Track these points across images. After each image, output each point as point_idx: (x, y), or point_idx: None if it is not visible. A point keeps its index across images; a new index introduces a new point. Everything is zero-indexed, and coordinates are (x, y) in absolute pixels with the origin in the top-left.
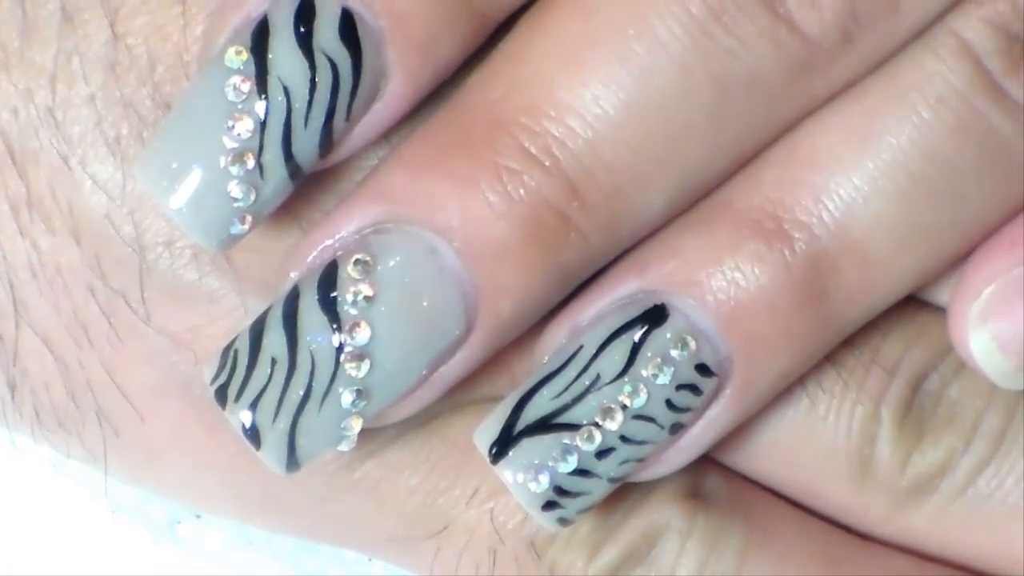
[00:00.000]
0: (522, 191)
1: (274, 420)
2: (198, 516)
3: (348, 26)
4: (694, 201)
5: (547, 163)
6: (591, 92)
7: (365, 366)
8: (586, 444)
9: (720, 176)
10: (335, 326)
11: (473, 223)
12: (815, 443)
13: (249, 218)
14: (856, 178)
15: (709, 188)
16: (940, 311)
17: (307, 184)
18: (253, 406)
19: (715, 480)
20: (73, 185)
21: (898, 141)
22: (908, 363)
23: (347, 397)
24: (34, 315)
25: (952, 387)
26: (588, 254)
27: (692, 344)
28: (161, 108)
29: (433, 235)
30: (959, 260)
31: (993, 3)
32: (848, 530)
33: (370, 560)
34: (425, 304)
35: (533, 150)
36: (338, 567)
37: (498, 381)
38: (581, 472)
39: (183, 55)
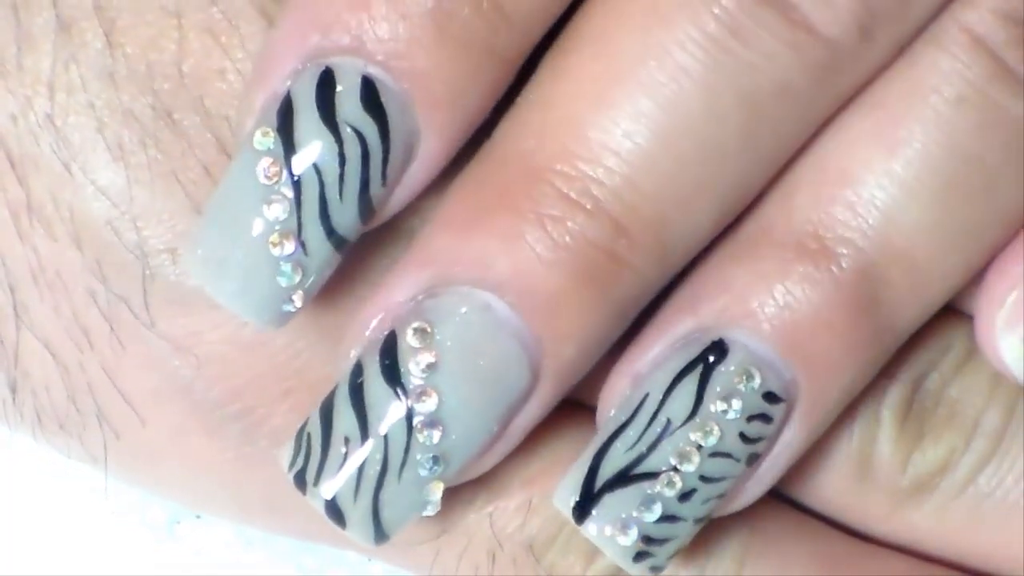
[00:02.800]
0: (567, 237)
1: (355, 498)
2: (198, 516)
3: (371, 94)
4: (741, 212)
5: (588, 205)
6: (621, 128)
7: (437, 433)
8: (668, 490)
9: (764, 185)
10: (402, 397)
11: (524, 275)
12: (816, 443)
13: (300, 294)
14: (889, 186)
15: (755, 198)
16: (938, 311)
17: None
18: (333, 487)
19: None
20: (74, 191)
21: (925, 144)
22: (908, 362)
23: (424, 465)
24: (35, 319)
25: (952, 386)
26: (642, 285)
27: (756, 374)
28: (162, 118)
29: (486, 293)
30: (1004, 246)
31: None
32: (848, 530)
33: (370, 560)
34: (488, 362)
35: (572, 195)
36: (338, 567)
37: None
38: (667, 518)
39: (182, 66)
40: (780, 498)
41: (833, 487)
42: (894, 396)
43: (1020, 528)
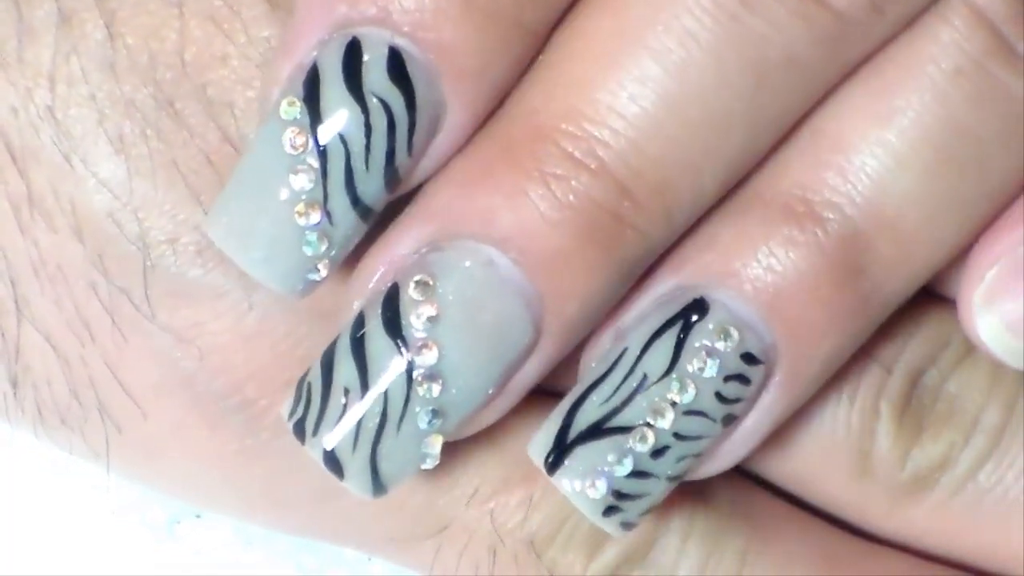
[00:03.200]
0: (571, 196)
1: (354, 449)
2: (198, 516)
3: (397, 65)
4: (744, 179)
5: (593, 165)
6: (628, 91)
7: (437, 386)
8: (640, 445)
9: (765, 152)
10: (403, 349)
11: (527, 232)
12: (814, 438)
13: (326, 263)
14: (882, 154)
15: (757, 163)
16: (937, 304)
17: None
18: (331, 437)
19: (716, 480)
20: (75, 183)
21: (920, 115)
22: (906, 358)
23: (423, 418)
24: (36, 312)
25: (951, 381)
26: (645, 247)
27: (735, 334)
28: (164, 108)
29: (489, 247)
30: (991, 223)
31: None
32: (848, 526)
33: (370, 559)
34: (489, 317)
35: (577, 154)
36: (338, 567)
37: None
38: (638, 474)
39: (183, 55)
40: (780, 495)
41: (832, 483)
42: (893, 391)
43: (1020, 525)
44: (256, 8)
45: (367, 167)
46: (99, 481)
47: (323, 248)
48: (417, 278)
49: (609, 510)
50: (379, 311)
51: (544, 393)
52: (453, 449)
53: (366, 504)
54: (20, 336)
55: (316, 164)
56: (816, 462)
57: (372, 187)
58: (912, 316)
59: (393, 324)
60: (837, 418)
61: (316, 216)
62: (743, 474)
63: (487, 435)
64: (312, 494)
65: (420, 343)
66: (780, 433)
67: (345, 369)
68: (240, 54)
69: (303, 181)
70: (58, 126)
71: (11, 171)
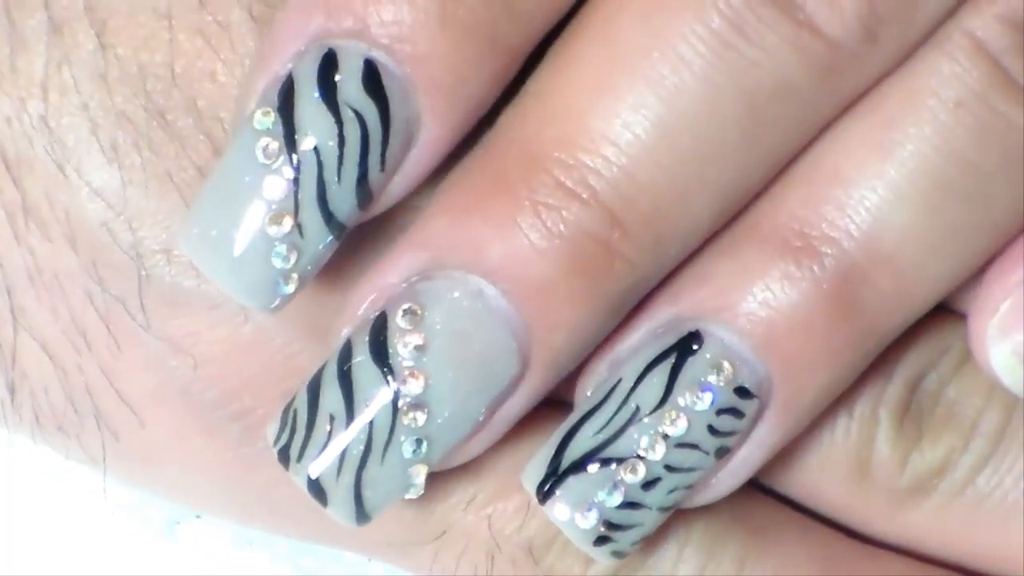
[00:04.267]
0: (562, 226)
1: (338, 477)
2: (198, 516)
3: (372, 77)
4: (739, 212)
5: (584, 195)
6: (621, 119)
7: (423, 416)
8: (631, 477)
9: (762, 185)
10: (389, 378)
11: (516, 262)
12: (814, 444)
13: (295, 276)
14: (881, 188)
15: (752, 198)
16: (936, 311)
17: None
18: (316, 465)
19: None
20: (70, 192)
21: (920, 148)
22: (906, 363)
23: (408, 448)
24: (32, 320)
25: (950, 386)
26: (636, 279)
27: (728, 368)
28: (155, 118)
29: (478, 278)
30: (992, 258)
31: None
32: (848, 530)
33: (369, 560)
34: (476, 348)
35: (569, 183)
36: (338, 568)
37: None
38: (629, 505)
39: (173, 67)
40: (779, 499)
41: (831, 488)
42: (892, 396)
43: (1019, 529)
44: (244, 26)
45: (339, 179)
46: (98, 483)
47: (292, 260)
48: (405, 307)
49: (600, 540)
50: (367, 339)
51: (544, 402)
52: None
53: None
54: (17, 344)
55: (289, 174)
56: (816, 468)
57: (344, 201)
58: None
59: (380, 352)
60: (837, 424)
61: (287, 226)
62: None
63: None
64: (309, 501)
65: (406, 372)
66: None
67: (331, 396)
68: (227, 70)
69: (275, 191)
70: (51, 135)
71: (6, 180)
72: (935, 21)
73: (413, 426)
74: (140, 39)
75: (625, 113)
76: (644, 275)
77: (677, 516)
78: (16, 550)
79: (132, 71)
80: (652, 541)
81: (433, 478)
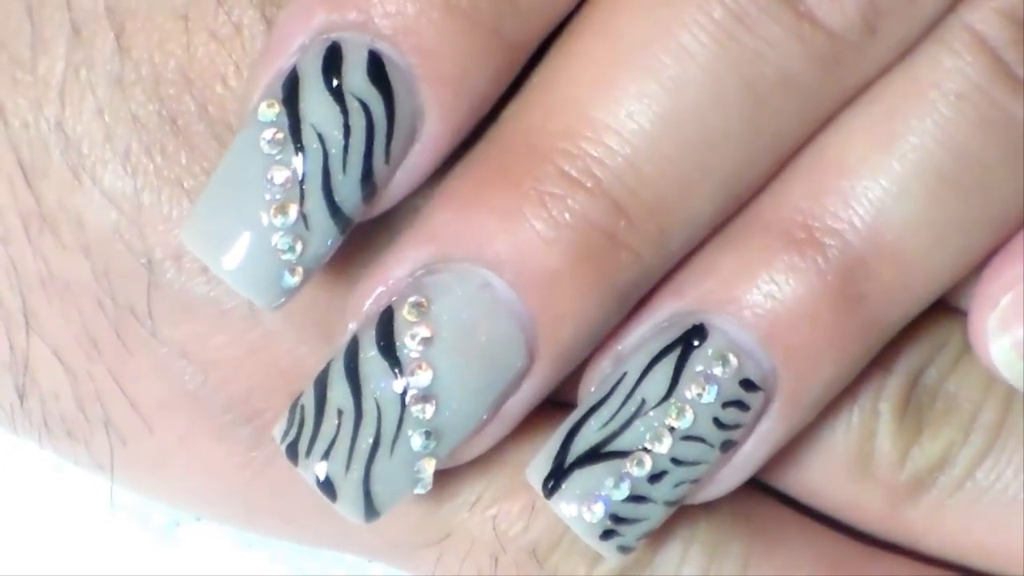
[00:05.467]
0: (567, 215)
1: (347, 471)
2: (198, 519)
3: (377, 68)
4: (743, 205)
5: (589, 184)
6: (625, 109)
7: (431, 408)
8: (637, 470)
9: (765, 177)
10: (397, 371)
11: (522, 253)
12: (814, 440)
13: (300, 270)
14: (884, 180)
15: (755, 191)
16: (935, 306)
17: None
18: (324, 459)
19: None
20: (83, 199)
21: (922, 140)
22: (905, 358)
23: (416, 440)
24: (44, 326)
25: (949, 381)
26: (641, 270)
27: (734, 360)
28: (168, 123)
29: (484, 270)
30: (994, 251)
31: None
32: (848, 527)
33: (370, 562)
34: (484, 339)
35: (574, 173)
36: (338, 569)
37: None
38: (636, 498)
39: (188, 72)
40: (781, 498)
41: (832, 484)
42: (892, 391)
43: (1019, 522)
44: (257, 26)
45: (344, 170)
46: (99, 485)
47: (298, 251)
48: (412, 299)
49: (607, 534)
50: (374, 332)
51: (547, 403)
52: None
53: None
54: (29, 349)
55: (294, 164)
56: (817, 464)
57: (349, 192)
58: None
59: (387, 345)
60: (837, 420)
61: (292, 216)
62: None
63: None
64: (316, 504)
65: (414, 364)
66: None
67: (339, 390)
68: (238, 74)
69: (280, 180)
70: (67, 141)
71: (21, 185)
72: (935, 15)
73: (421, 418)
74: (156, 41)
75: (629, 103)
76: (649, 266)
77: (681, 516)
78: (16, 551)
79: (147, 75)
80: (657, 540)
81: (438, 478)
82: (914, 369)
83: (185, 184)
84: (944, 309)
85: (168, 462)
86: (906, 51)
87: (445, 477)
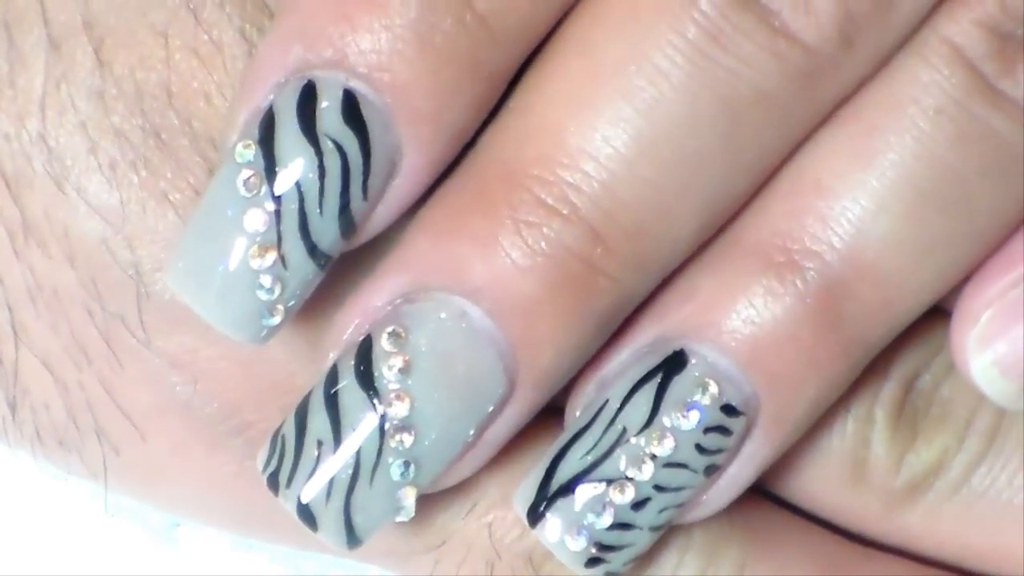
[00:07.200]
0: (543, 243)
1: (327, 501)
2: None
3: (351, 108)
4: (724, 225)
5: (565, 211)
6: (600, 133)
7: (409, 437)
8: (620, 497)
9: (744, 196)
10: (375, 401)
11: (499, 282)
12: (810, 446)
13: (280, 308)
14: (863, 199)
15: (735, 210)
16: (929, 311)
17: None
18: (304, 490)
19: None
20: (68, 210)
21: (901, 157)
22: (900, 363)
23: (396, 470)
24: (33, 337)
25: (944, 386)
26: (621, 295)
27: (714, 387)
28: (151, 137)
29: (461, 299)
30: (977, 266)
31: (982, 4)
32: (844, 531)
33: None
34: (462, 368)
35: (550, 200)
36: (338, 571)
37: None
38: (620, 526)
39: (169, 87)
40: (777, 502)
41: (828, 489)
42: (887, 397)
43: (1014, 527)
44: (237, 47)
45: (321, 211)
46: (98, 488)
47: (277, 292)
48: (390, 329)
49: (592, 561)
50: (352, 362)
51: (545, 409)
52: None
53: None
54: (18, 361)
55: (270, 207)
56: (812, 470)
57: (327, 232)
58: None
59: (366, 376)
60: (832, 426)
61: (270, 259)
62: None
63: None
64: None
65: (392, 395)
66: None
67: (318, 421)
68: (220, 93)
69: (257, 224)
70: (50, 153)
71: (5, 198)
72: (911, 26)
73: (400, 448)
74: (137, 57)
75: (603, 127)
76: (628, 291)
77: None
78: (16, 552)
79: (129, 90)
80: (652, 548)
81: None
82: (909, 374)
83: (171, 197)
84: (939, 315)
85: (162, 471)
86: (883, 64)
87: None
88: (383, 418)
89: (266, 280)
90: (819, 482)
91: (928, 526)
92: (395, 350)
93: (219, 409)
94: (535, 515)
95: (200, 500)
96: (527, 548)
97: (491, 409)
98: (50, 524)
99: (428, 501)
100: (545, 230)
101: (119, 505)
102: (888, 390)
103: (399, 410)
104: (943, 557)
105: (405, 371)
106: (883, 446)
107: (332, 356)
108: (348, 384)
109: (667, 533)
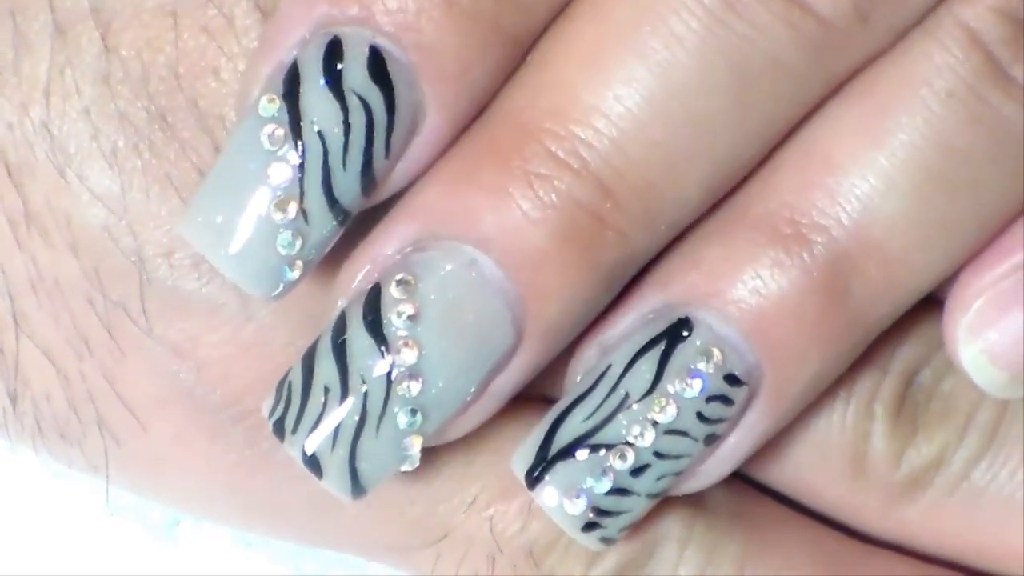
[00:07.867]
0: (554, 196)
1: (333, 448)
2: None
3: (377, 64)
4: (731, 189)
5: (576, 165)
6: (613, 92)
7: (417, 385)
8: (620, 463)
9: (753, 163)
10: (383, 348)
11: (509, 232)
12: (810, 440)
13: (300, 264)
14: (871, 177)
15: (743, 176)
16: (930, 305)
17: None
18: (310, 436)
19: (714, 486)
20: (71, 198)
21: (911, 137)
22: (900, 358)
23: (403, 418)
24: (34, 327)
25: (945, 381)
26: (629, 252)
27: (718, 355)
28: (156, 120)
29: (471, 248)
30: (981, 249)
31: None
32: (844, 527)
33: (369, 561)
34: (470, 318)
35: (561, 154)
36: (339, 569)
37: None
38: (618, 491)
39: (177, 68)
40: (778, 499)
41: (828, 484)
42: (887, 391)
43: (1015, 522)
44: (249, 17)
45: (344, 166)
46: (99, 484)
47: (297, 246)
48: (399, 277)
49: (588, 526)
50: (361, 310)
51: (546, 401)
52: (452, 457)
53: (365, 514)
54: (19, 351)
55: (294, 160)
56: (811, 465)
57: (349, 187)
58: (905, 317)
59: (374, 323)
60: (832, 420)
61: (292, 212)
62: (741, 479)
63: (486, 443)
64: (312, 504)
65: (400, 342)
66: (775, 437)
67: (326, 368)
68: (231, 66)
69: (280, 177)
70: (53, 141)
71: (7, 186)
72: (927, 5)
73: (407, 396)
74: (144, 39)
75: (616, 86)
76: (636, 248)
77: (678, 517)
78: (16, 550)
79: (135, 73)
80: (653, 541)
81: (434, 481)
82: (909, 369)
83: (174, 180)
84: (939, 308)
85: (163, 462)
86: (897, 40)
87: (441, 478)
88: (391, 365)
89: (287, 234)
90: (819, 477)
91: (928, 522)
92: (404, 297)
93: (222, 397)
94: (533, 477)
95: (201, 491)
96: (528, 541)
97: (498, 359)
98: (50, 523)
99: (428, 495)
100: (556, 183)
101: (119, 504)
102: (888, 385)
103: (407, 357)
104: (943, 553)
105: (414, 319)
106: (883, 441)
107: (340, 303)
108: (356, 331)
109: (668, 528)
